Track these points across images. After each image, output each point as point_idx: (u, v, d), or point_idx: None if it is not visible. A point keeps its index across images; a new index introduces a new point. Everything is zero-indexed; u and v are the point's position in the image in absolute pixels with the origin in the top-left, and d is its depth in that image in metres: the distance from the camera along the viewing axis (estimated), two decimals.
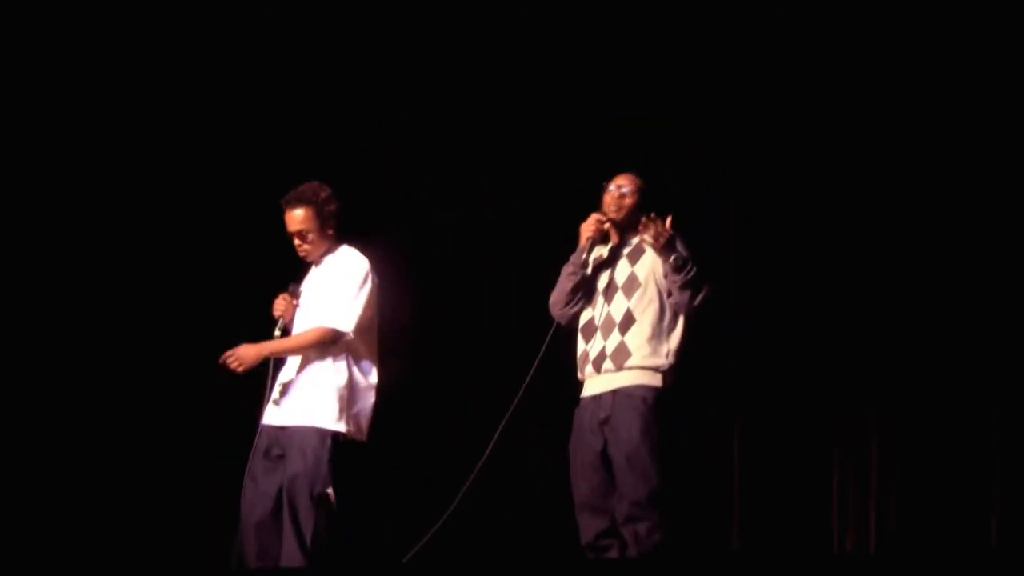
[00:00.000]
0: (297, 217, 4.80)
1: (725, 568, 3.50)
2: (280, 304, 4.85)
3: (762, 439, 5.88)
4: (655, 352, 4.69)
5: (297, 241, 4.83)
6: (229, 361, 4.77)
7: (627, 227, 4.85)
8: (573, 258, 4.84)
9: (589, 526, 4.68)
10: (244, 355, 4.76)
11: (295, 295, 4.87)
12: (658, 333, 4.71)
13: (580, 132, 6.11)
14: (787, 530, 5.78)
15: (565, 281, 4.85)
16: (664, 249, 4.66)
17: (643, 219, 4.69)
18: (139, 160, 6.23)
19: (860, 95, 5.87)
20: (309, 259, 4.88)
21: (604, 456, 4.67)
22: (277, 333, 4.83)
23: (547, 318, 4.91)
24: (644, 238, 4.71)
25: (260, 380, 4.83)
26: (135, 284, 6.19)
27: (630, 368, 4.68)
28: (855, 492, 5.78)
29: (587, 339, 4.80)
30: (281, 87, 6.30)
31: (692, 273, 4.63)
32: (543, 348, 4.83)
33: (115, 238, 6.20)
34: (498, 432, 4.79)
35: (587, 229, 4.82)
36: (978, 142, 5.73)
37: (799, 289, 5.91)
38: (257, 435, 4.77)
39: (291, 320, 4.86)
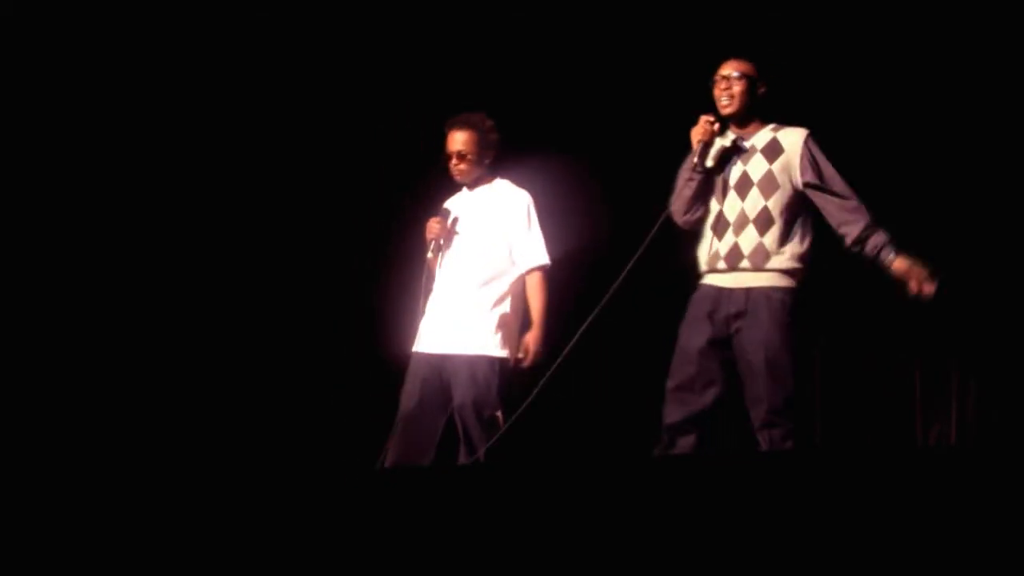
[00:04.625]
0: (459, 138, 5.05)
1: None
2: (434, 227, 5.07)
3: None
4: (792, 255, 4.62)
5: (455, 161, 5.07)
6: (530, 363, 4.95)
7: (745, 118, 4.72)
8: (687, 164, 4.72)
9: (680, 408, 4.61)
10: (536, 349, 4.95)
11: (447, 216, 5.08)
12: (794, 235, 4.63)
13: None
14: (868, 426, 5.83)
15: (684, 188, 4.72)
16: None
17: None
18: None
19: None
20: (462, 180, 5.11)
21: (715, 346, 4.62)
22: (430, 255, 5.07)
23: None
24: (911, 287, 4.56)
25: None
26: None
27: (769, 270, 4.60)
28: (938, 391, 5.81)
29: (719, 235, 4.67)
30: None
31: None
32: (645, 243, 4.69)
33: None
34: (587, 323, 4.70)
35: (697, 133, 4.70)
36: None
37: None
38: (413, 362, 4.98)
39: (445, 241, 5.07)
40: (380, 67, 6.38)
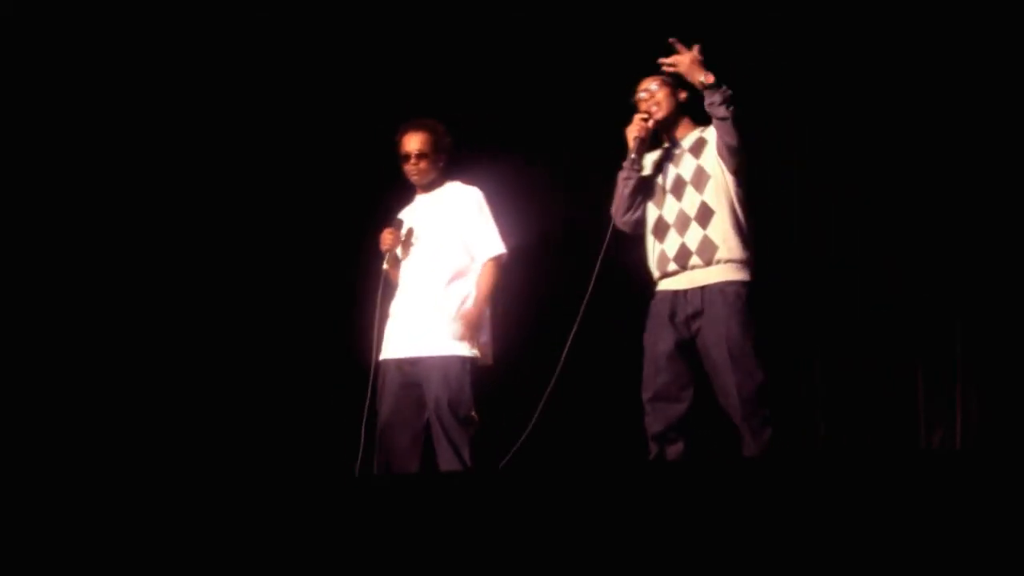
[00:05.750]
0: (416, 139, 5.12)
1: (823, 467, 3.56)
2: (387, 238, 5.12)
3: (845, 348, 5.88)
4: (739, 245, 4.67)
5: (412, 162, 5.13)
6: (469, 337, 4.97)
7: (672, 124, 4.83)
8: (625, 163, 4.82)
9: (661, 417, 4.66)
10: (474, 323, 4.98)
11: (399, 227, 5.13)
12: (737, 224, 4.68)
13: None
14: (871, 428, 5.80)
15: (621, 187, 4.83)
16: (692, 69, 4.64)
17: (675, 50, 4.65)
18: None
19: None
20: (419, 182, 5.17)
21: (682, 349, 4.68)
22: (385, 266, 5.12)
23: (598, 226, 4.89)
24: (665, 63, 4.68)
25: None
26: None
27: (719, 262, 4.66)
28: (941, 391, 5.78)
29: (660, 238, 4.76)
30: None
31: (728, 93, 4.58)
32: (601, 252, 4.77)
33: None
34: (571, 337, 4.77)
35: (633, 130, 4.80)
36: None
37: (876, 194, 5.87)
38: (376, 369, 5.00)
39: (402, 251, 5.12)
40: (338, 79, 6.37)
